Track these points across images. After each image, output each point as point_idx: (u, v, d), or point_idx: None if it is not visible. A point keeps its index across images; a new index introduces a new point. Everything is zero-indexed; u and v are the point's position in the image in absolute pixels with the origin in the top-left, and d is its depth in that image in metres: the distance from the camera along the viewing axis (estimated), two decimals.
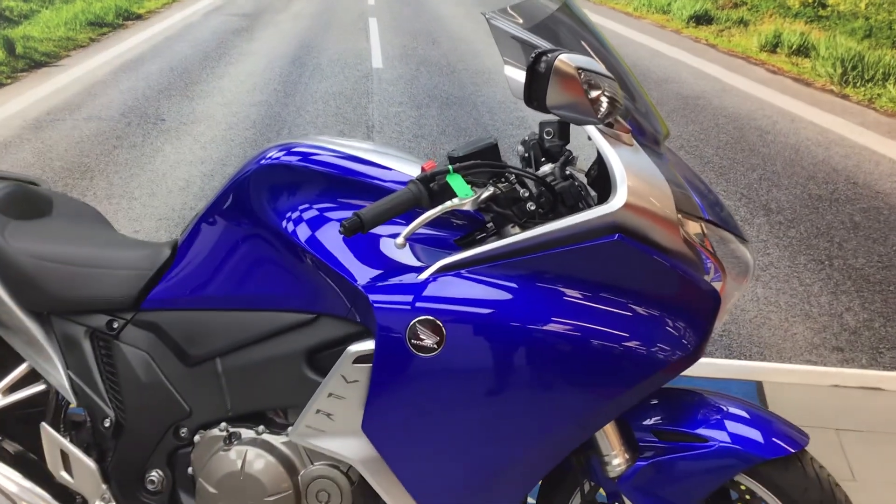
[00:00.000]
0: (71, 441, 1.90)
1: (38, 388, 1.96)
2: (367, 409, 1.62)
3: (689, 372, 3.27)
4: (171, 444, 1.82)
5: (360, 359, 1.63)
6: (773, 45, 4.33)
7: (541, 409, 1.60)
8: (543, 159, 1.72)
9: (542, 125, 1.74)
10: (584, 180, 1.71)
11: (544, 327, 1.56)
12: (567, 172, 1.67)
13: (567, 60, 1.44)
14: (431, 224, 1.70)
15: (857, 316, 3.40)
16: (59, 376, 1.89)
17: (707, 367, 3.54)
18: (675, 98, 3.84)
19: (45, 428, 1.90)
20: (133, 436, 1.84)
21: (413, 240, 1.69)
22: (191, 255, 1.82)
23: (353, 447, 1.66)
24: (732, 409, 1.72)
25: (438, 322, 1.58)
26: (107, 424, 1.86)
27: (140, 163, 3.84)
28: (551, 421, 1.60)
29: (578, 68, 1.44)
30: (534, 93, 1.47)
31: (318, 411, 1.67)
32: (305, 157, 1.75)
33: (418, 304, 1.59)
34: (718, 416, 1.70)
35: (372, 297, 1.60)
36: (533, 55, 1.46)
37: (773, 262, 3.41)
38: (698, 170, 3.40)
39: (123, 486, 1.84)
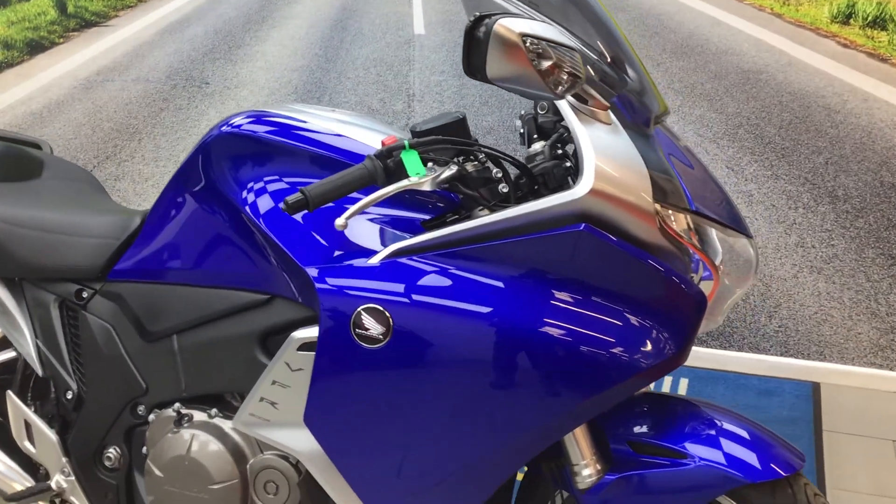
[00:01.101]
0: (35, 412, 1.86)
1: (8, 355, 1.93)
2: (309, 400, 1.51)
3: (738, 368, 3.08)
4: (128, 421, 1.76)
5: (305, 346, 1.52)
6: (846, 16, 3.95)
7: (495, 412, 1.45)
8: (536, 136, 1.57)
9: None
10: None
11: (501, 323, 1.42)
12: (559, 151, 1.51)
13: (508, 25, 1.27)
14: (405, 205, 1.57)
15: None
16: (27, 345, 1.85)
17: (760, 364, 3.30)
18: (734, 72, 3.54)
19: (11, 396, 1.87)
20: (92, 410, 1.78)
21: (379, 221, 1.56)
22: (156, 226, 1.74)
23: (297, 439, 1.56)
24: (722, 424, 1.54)
25: (385, 311, 1.45)
26: (69, 397, 1.81)
27: (185, 126, 3.84)
28: (507, 425, 1.46)
29: (522, 34, 1.27)
30: (473, 62, 1.31)
31: (262, 399, 1.57)
32: (269, 126, 1.64)
33: (365, 291, 1.46)
34: (704, 431, 1.53)
35: (317, 281, 1.49)
36: (472, 18, 1.30)
37: (837, 255, 3.14)
38: (758, 151, 3.15)
39: (82, 461, 1.80)
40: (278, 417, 1.57)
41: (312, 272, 1.51)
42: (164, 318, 1.71)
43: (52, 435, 1.82)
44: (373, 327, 1.46)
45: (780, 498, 1.47)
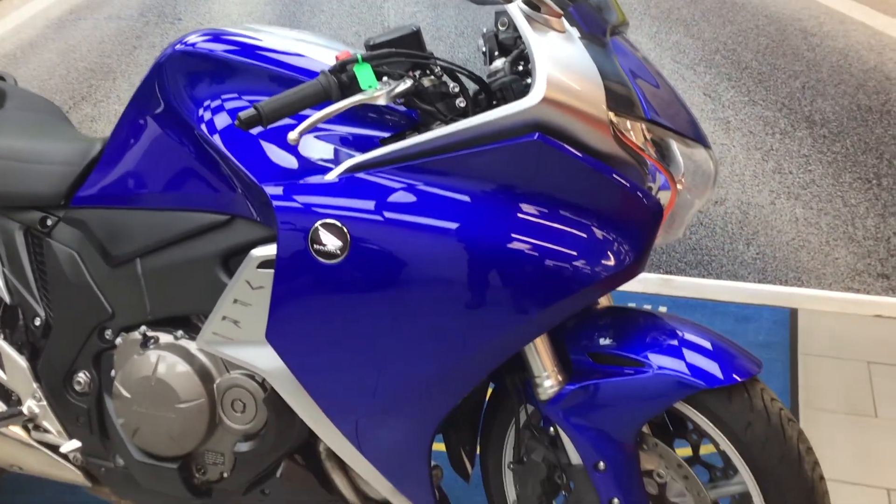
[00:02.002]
0: (4, 339, 1.87)
1: None
2: (270, 317, 1.52)
3: (717, 296, 3.10)
4: (96, 346, 1.77)
5: (265, 264, 1.53)
6: None
7: (453, 324, 1.46)
8: (497, 53, 1.56)
9: (498, 15, 1.57)
10: None
11: (459, 235, 1.42)
12: (519, 68, 1.50)
13: None
14: (364, 123, 1.56)
15: None
16: None
17: (738, 292, 3.33)
18: None
19: None
20: (60, 335, 1.79)
21: (338, 138, 1.56)
22: (116, 151, 1.74)
23: (261, 357, 1.57)
24: (681, 334, 1.56)
25: (342, 226, 1.45)
26: (37, 323, 1.82)
27: None
28: (466, 337, 1.47)
29: None
30: None
31: (224, 318, 1.58)
32: (224, 44, 1.63)
33: (321, 207, 1.46)
34: (664, 341, 1.54)
35: (273, 198, 1.49)
36: None
37: (814, 180, 3.14)
38: (735, 76, 3.13)
39: (53, 386, 1.81)
40: (241, 336, 1.58)
41: (269, 189, 1.50)
42: (127, 243, 1.71)
43: (21, 362, 1.83)
44: (330, 243, 1.46)
45: (737, 403, 1.49)
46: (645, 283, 3.21)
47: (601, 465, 1.54)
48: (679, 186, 1.53)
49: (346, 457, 1.61)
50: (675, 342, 1.54)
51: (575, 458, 1.58)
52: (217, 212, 1.62)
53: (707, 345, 1.54)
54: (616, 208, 1.44)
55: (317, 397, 1.56)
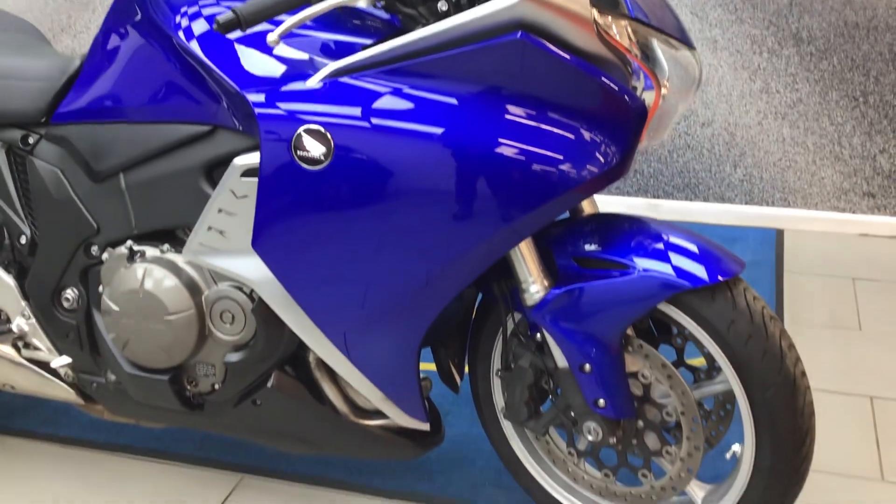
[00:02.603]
0: None
1: None
2: (255, 226, 1.52)
3: (704, 219, 3.11)
4: (82, 262, 1.77)
5: (249, 172, 1.52)
6: None
7: (438, 229, 1.47)
8: None
9: None
10: None
11: (442, 138, 1.42)
12: None
13: None
14: (348, 30, 1.55)
15: (892, 159, 3.12)
16: None
17: (725, 214, 3.34)
18: None
19: None
20: (47, 253, 1.79)
21: (321, 45, 1.54)
22: (95, 65, 1.71)
23: (248, 266, 1.57)
24: (666, 237, 1.56)
25: (326, 132, 1.44)
26: (23, 241, 1.82)
27: None
28: (451, 242, 1.47)
29: None
30: None
31: (209, 228, 1.58)
32: None
33: (304, 113, 1.46)
34: (649, 244, 1.55)
35: (255, 105, 1.48)
36: None
37: (801, 99, 3.13)
38: None
39: (41, 304, 1.82)
40: (227, 246, 1.58)
41: (251, 96, 1.49)
42: (110, 158, 1.70)
43: (9, 280, 1.83)
44: (313, 148, 1.46)
45: (720, 301, 1.51)
46: (632, 207, 3.22)
47: (587, 367, 1.57)
48: (663, 89, 1.52)
49: (337, 366, 1.63)
50: (660, 245, 1.55)
51: (561, 361, 1.60)
52: (199, 122, 1.61)
53: (691, 247, 1.55)
54: (601, 109, 1.43)
55: (305, 306, 1.57)
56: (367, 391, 1.65)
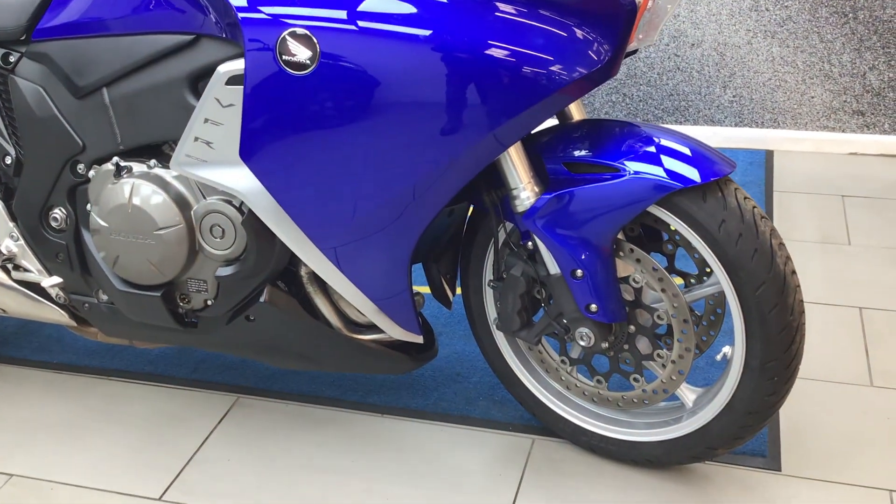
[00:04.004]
0: None
1: None
2: (242, 135, 1.51)
3: None
4: (69, 181, 1.76)
5: (234, 80, 1.50)
6: None
7: (428, 134, 1.45)
8: None
9: None
10: None
11: (430, 38, 1.40)
12: None
13: None
14: None
15: (881, 76, 3.11)
16: None
17: (715, 136, 3.32)
18: None
19: None
20: (33, 173, 1.78)
21: None
22: None
23: (236, 177, 1.56)
24: (657, 139, 1.56)
25: (311, 35, 1.42)
26: (8, 162, 1.80)
27: None
28: (439, 147, 1.46)
29: None
30: None
31: (196, 139, 1.56)
32: None
33: (288, 16, 1.43)
34: (639, 147, 1.54)
35: (238, 9, 1.45)
36: None
37: (791, 17, 3.09)
38: None
39: (29, 225, 1.80)
40: (215, 157, 1.57)
41: (234, 1, 1.47)
42: (92, 73, 1.67)
43: None
44: (299, 52, 1.44)
45: (711, 202, 1.51)
46: None
47: (578, 272, 1.57)
48: None
49: (329, 278, 1.63)
50: (651, 147, 1.54)
51: (553, 268, 1.60)
52: (181, 32, 1.59)
53: (682, 149, 1.54)
54: (589, 5, 1.41)
55: (295, 217, 1.56)
56: (360, 304, 1.66)
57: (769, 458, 1.79)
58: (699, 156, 1.53)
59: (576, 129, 1.64)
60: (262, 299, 1.70)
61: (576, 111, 1.72)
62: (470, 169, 1.50)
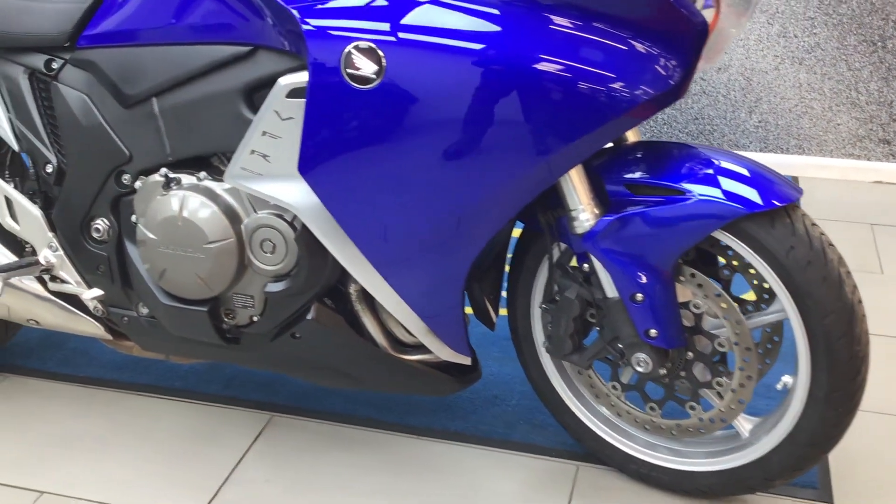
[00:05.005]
0: (15, 188, 1.81)
1: None
2: (302, 149, 1.47)
3: None
4: (113, 191, 1.71)
5: (294, 93, 1.47)
6: None
7: (491, 153, 1.42)
8: None
9: None
10: None
11: (499, 55, 1.37)
12: None
13: None
14: None
15: None
16: (1, 120, 1.78)
17: None
18: None
19: None
20: (75, 182, 1.73)
21: None
22: None
23: (291, 192, 1.52)
24: (720, 162, 1.53)
25: (377, 49, 1.39)
26: (49, 170, 1.76)
27: None
28: (504, 166, 1.43)
29: None
30: None
31: (252, 151, 1.52)
32: None
33: (354, 29, 1.40)
34: (702, 169, 1.52)
35: (303, 21, 1.42)
36: None
37: (819, 44, 3.09)
38: None
39: (69, 235, 1.76)
40: (271, 170, 1.53)
41: (299, 12, 1.44)
42: (141, 81, 1.64)
43: (35, 211, 1.77)
44: (364, 66, 1.41)
45: (779, 228, 1.48)
46: None
47: (638, 296, 1.54)
48: (723, 6, 1.48)
49: (381, 296, 1.59)
50: (714, 170, 1.52)
51: (611, 291, 1.57)
52: (238, 43, 1.55)
53: (746, 172, 1.52)
54: (661, 23, 1.39)
55: (351, 233, 1.52)
56: (410, 323, 1.62)
57: (820, 490, 1.75)
58: (766, 180, 1.50)
59: (633, 150, 1.61)
60: (309, 316, 1.66)
61: (631, 132, 1.69)
62: (532, 189, 1.47)
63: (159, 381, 2.13)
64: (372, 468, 1.85)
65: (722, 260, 1.63)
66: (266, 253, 1.61)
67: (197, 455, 1.89)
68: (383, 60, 1.39)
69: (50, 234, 1.77)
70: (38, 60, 1.74)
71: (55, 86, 1.72)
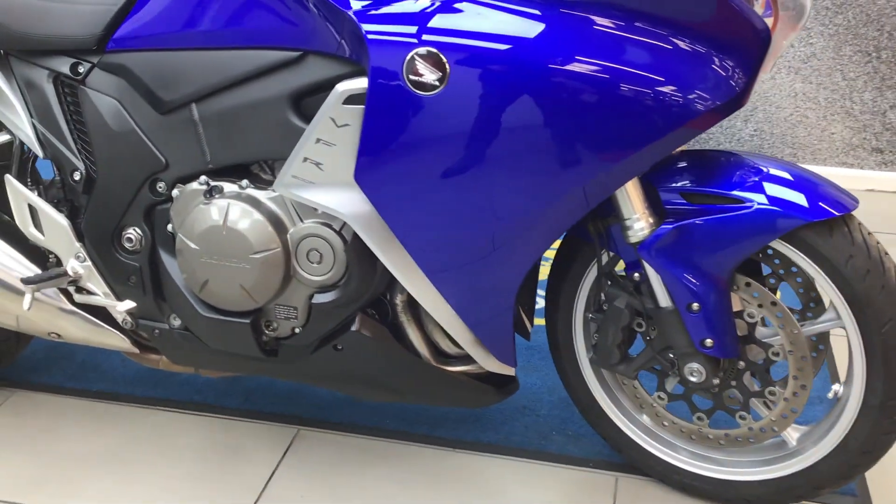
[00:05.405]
0: (39, 196, 1.73)
1: (1, 138, 1.79)
2: (359, 156, 1.43)
3: None
4: (147, 200, 1.65)
5: (351, 99, 1.43)
6: None
7: (555, 162, 1.40)
8: None
9: None
10: None
11: (565, 65, 1.35)
12: None
13: None
14: None
15: None
16: (23, 125, 1.70)
17: None
18: None
19: (10, 181, 1.73)
20: (106, 190, 1.67)
21: None
22: None
23: (344, 200, 1.48)
24: (772, 170, 1.53)
25: (441, 55, 1.36)
26: (77, 178, 1.69)
27: None
28: (567, 176, 1.41)
29: None
30: None
31: (305, 159, 1.48)
32: None
33: (417, 34, 1.37)
34: (756, 177, 1.51)
35: (364, 26, 1.38)
36: None
37: (815, 54, 3.13)
38: None
39: (98, 245, 1.69)
40: (323, 178, 1.49)
41: (359, 18, 1.40)
42: (179, 87, 1.58)
43: (61, 219, 1.70)
44: (427, 73, 1.37)
45: (838, 237, 1.48)
46: None
47: (694, 305, 1.52)
48: (782, 13, 1.47)
49: (429, 305, 1.55)
50: (769, 179, 1.51)
51: (664, 300, 1.56)
52: (287, 48, 1.51)
53: (802, 180, 1.52)
54: (726, 30, 1.37)
55: (404, 240, 1.49)
56: (458, 333, 1.59)
57: (859, 498, 1.76)
58: (823, 189, 1.50)
59: (682, 158, 1.60)
60: (353, 328, 1.62)
61: None
62: (593, 200, 1.45)
63: (176, 395, 2.07)
64: (408, 482, 1.81)
65: (768, 268, 1.63)
66: (312, 263, 1.57)
67: (226, 472, 1.83)
68: (447, 67, 1.36)
69: (77, 244, 1.70)
70: (64, 64, 1.67)
71: (83, 90, 1.65)
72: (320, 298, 1.59)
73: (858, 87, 3.15)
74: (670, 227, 1.50)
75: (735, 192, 1.49)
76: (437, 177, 1.43)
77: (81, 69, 1.66)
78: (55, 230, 1.71)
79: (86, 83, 1.65)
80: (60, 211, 1.71)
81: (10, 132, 1.77)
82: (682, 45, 1.37)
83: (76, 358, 2.20)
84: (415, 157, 1.42)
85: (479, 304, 1.55)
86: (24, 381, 2.12)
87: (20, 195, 1.71)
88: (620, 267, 1.65)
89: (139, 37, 1.61)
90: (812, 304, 1.62)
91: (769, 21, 1.47)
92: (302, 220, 1.57)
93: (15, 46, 1.69)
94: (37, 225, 1.72)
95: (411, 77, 1.38)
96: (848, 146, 3.25)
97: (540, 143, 1.39)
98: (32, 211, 1.72)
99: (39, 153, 1.70)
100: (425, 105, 1.38)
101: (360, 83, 1.42)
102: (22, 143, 1.75)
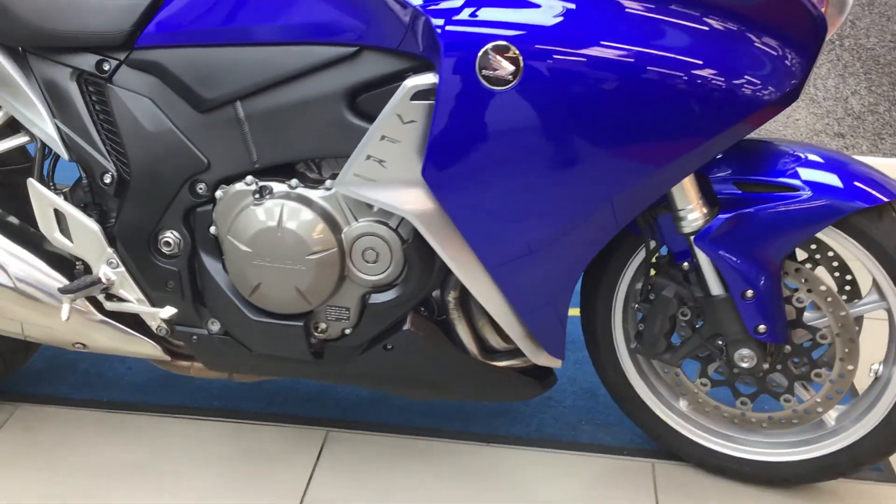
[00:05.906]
0: (65, 199, 1.65)
1: (19, 140, 1.69)
2: (428, 153, 1.41)
3: None
4: (187, 202, 1.59)
5: (419, 95, 1.40)
6: None
7: (621, 157, 1.41)
8: None
9: None
10: None
11: (636, 57, 1.35)
12: None
13: None
14: None
15: (862, 100, 3.27)
16: (45, 125, 1.62)
17: None
18: None
19: (34, 184, 1.64)
20: (141, 193, 1.60)
21: None
22: None
23: (407, 197, 1.46)
24: (816, 158, 1.57)
25: (515, 49, 1.35)
26: (107, 181, 1.61)
27: None
28: (631, 170, 1.42)
29: None
30: None
31: (368, 157, 1.45)
32: None
33: (490, 28, 1.35)
34: (803, 165, 1.55)
35: (434, 21, 1.36)
36: None
37: None
38: None
39: (133, 250, 1.62)
40: (385, 176, 1.46)
41: (428, 12, 1.37)
42: (222, 84, 1.52)
43: (91, 224, 1.62)
44: (501, 67, 1.36)
45: (887, 222, 1.53)
46: None
47: (749, 293, 1.55)
48: (829, 6, 1.50)
49: (487, 300, 1.54)
50: (815, 166, 1.55)
51: (717, 289, 1.58)
52: (342, 43, 1.47)
53: (849, 167, 1.56)
54: (787, 19, 1.40)
55: (470, 237, 1.47)
56: (511, 327, 1.58)
57: (884, 472, 1.83)
58: (870, 175, 1.55)
59: (731, 148, 1.62)
60: (405, 327, 1.60)
61: None
62: (654, 193, 1.47)
63: (193, 401, 2.00)
64: (446, 477, 1.80)
65: (804, 253, 1.67)
66: (368, 262, 1.54)
67: (262, 478, 1.79)
68: (521, 61, 1.35)
69: (109, 250, 1.63)
70: (88, 61, 1.59)
71: (111, 89, 1.58)
72: (378, 298, 1.56)
73: (822, 74, 3.25)
74: (728, 216, 1.52)
75: (785, 180, 1.52)
76: (505, 171, 1.42)
77: (107, 67, 1.58)
78: (85, 236, 1.63)
79: (113, 81, 1.58)
80: (90, 216, 1.63)
81: (27, 133, 1.68)
82: (746, 36, 1.39)
83: (78, 367, 2.11)
84: (485, 151, 1.40)
85: (538, 298, 1.55)
86: (27, 394, 2.02)
87: (45, 199, 1.63)
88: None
89: (173, 32, 1.54)
90: (847, 288, 1.67)
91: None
92: (357, 219, 1.53)
93: (34, 43, 1.60)
94: (63, 230, 1.64)
95: (484, 72, 1.36)
96: (812, 131, 3.35)
97: (608, 138, 1.39)
98: (58, 216, 1.63)
99: (64, 155, 1.62)
100: (498, 99, 1.37)
101: (429, 78, 1.39)
102: (43, 146, 1.66)
